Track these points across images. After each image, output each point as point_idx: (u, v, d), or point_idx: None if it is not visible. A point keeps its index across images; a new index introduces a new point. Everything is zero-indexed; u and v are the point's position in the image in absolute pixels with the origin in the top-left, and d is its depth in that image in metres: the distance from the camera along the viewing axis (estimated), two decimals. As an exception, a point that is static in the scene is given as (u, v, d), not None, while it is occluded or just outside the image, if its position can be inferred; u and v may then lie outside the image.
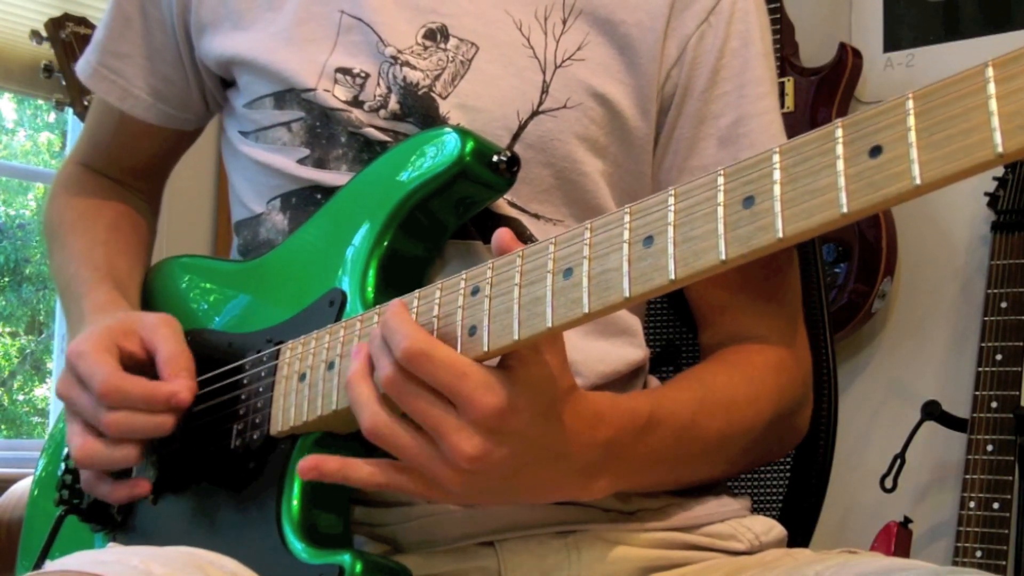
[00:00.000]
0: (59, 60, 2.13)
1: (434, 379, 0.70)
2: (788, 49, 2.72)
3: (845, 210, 0.55)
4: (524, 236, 0.91)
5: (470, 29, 0.94)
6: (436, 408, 0.71)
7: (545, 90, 0.93)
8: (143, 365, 0.90)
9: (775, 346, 0.95)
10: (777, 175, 0.58)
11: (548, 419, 0.74)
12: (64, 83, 2.13)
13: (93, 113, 1.17)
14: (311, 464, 0.76)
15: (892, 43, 2.80)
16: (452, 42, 0.94)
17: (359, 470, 0.76)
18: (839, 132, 0.56)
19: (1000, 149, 0.50)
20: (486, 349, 0.70)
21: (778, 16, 2.65)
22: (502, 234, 0.73)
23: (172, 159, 1.19)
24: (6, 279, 3.68)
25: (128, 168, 1.17)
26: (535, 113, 0.92)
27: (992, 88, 0.50)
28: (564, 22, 0.95)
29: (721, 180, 0.61)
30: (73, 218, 1.12)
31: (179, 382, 0.87)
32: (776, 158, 0.59)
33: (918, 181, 0.52)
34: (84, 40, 2.09)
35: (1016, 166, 2.40)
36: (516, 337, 0.68)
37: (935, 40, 2.75)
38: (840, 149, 0.56)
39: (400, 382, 0.71)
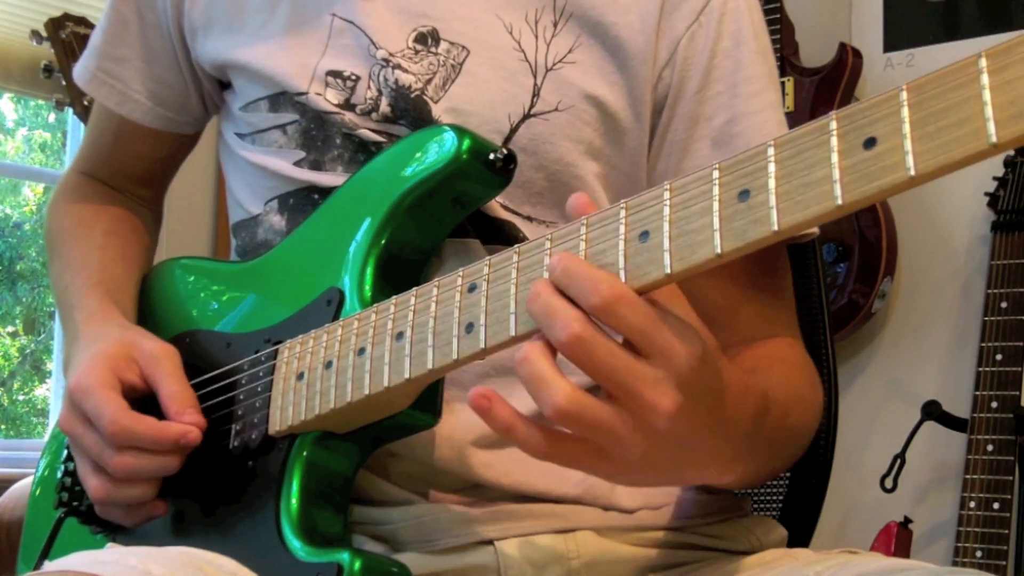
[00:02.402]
0: (59, 60, 2.13)
1: (632, 325, 0.63)
2: (788, 49, 2.71)
3: (840, 202, 0.55)
4: (518, 239, 0.91)
5: (461, 33, 0.94)
6: (632, 363, 0.63)
7: (536, 93, 0.92)
8: (143, 395, 0.90)
9: (793, 344, 0.95)
10: (772, 168, 0.58)
11: (719, 378, 0.68)
12: (64, 83, 2.13)
13: (93, 120, 1.17)
14: (483, 392, 0.66)
15: (892, 43, 2.80)
16: (443, 46, 0.94)
17: (532, 433, 0.66)
18: (833, 125, 0.56)
19: (994, 139, 0.50)
20: (483, 346, 0.70)
21: (778, 16, 2.65)
22: (578, 196, 0.68)
23: (172, 165, 1.19)
24: (0, 278, 3.68)
25: (129, 175, 1.17)
26: (526, 116, 0.92)
27: (985, 79, 0.50)
28: (555, 25, 0.94)
29: (716, 174, 0.61)
30: (71, 225, 1.12)
31: (188, 417, 0.86)
32: (771, 151, 0.59)
33: (912, 172, 0.52)
34: (84, 40, 2.09)
35: (1016, 165, 2.40)
36: (513, 333, 0.68)
37: (935, 40, 2.74)
38: (835, 141, 0.56)
39: (588, 340, 0.63)
